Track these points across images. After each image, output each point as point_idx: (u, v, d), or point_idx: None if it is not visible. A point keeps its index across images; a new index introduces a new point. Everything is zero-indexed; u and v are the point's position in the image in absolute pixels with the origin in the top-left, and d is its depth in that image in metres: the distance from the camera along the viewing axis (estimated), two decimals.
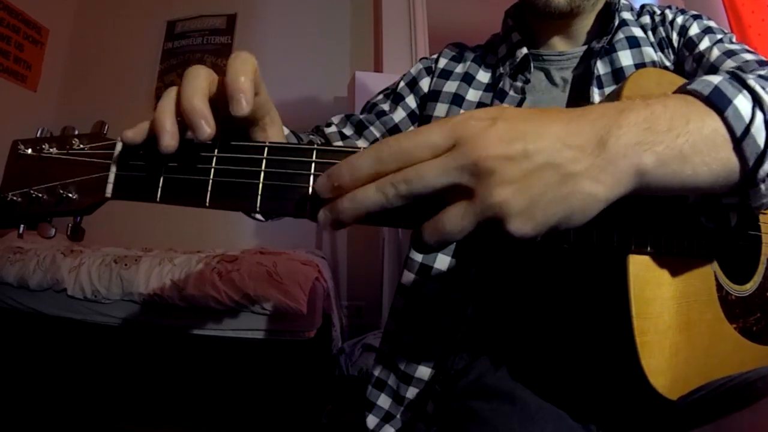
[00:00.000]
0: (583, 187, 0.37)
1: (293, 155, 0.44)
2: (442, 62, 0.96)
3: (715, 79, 0.44)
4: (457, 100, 0.89)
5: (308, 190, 0.43)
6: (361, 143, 0.89)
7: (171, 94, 0.43)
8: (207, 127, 0.40)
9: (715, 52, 0.74)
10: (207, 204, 0.43)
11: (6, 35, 3.01)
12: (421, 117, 0.94)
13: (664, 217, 0.52)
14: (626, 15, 0.85)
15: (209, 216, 3.00)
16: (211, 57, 3.34)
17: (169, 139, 0.41)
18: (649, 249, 0.50)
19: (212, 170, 0.44)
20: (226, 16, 3.41)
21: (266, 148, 0.44)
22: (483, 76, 0.91)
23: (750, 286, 0.64)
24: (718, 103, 0.42)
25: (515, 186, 0.36)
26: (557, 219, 0.38)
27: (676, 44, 0.82)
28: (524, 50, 0.85)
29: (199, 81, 0.43)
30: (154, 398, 1.97)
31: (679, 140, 0.40)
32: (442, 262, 0.83)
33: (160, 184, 0.44)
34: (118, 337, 2.14)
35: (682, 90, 0.45)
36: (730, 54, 0.73)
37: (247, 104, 0.42)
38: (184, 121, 0.42)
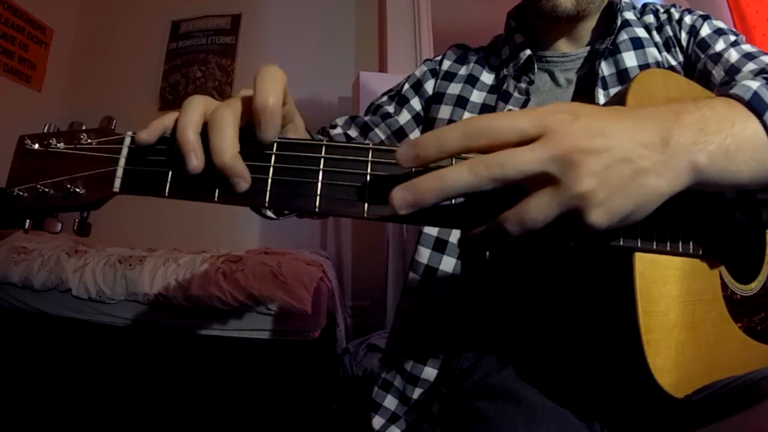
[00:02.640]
0: (650, 182, 0.40)
1: (304, 151, 0.44)
2: (446, 64, 0.96)
3: (754, 85, 0.47)
4: (461, 102, 0.89)
5: (317, 186, 0.43)
6: None
7: (192, 110, 0.43)
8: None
9: (734, 54, 0.74)
10: (216, 199, 0.43)
11: (10, 35, 3.02)
12: (425, 119, 0.94)
13: (670, 216, 0.52)
14: (629, 15, 0.85)
15: (213, 216, 3.00)
16: (215, 57, 3.34)
17: (196, 161, 0.42)
18: (655, 247, 0.51)
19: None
20: (231, 16, 3.41)
21: (275, 144, 0.44)
22: (487, 78, 0.91)
23: (755, 286, 0.64)
24: (757, 107, 0.45)
25: (598, 178, 0.38)
26: (627, 211, 0.40)
27: (685, 44, 0.82)
28: (528, 52, 0.85)
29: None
30: (158, 398, 1.97)
31: (726, 141, 0.43)
32: (448, 263, 0.83)
33: (169, 179, 0.43)
34: (123, 338, 2.14)
35: (725, 94, 0.48)
36: (749, 57, 0.73)
37: (275, 130, 0.42)
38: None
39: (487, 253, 0.79)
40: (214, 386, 2.03)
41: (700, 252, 0.55)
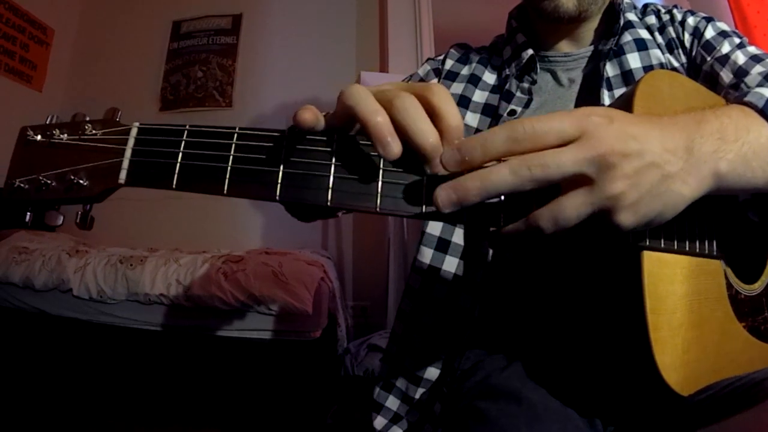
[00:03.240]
0: (675, 187, 0.42)
1: (315, 144, 0.43)
2: (449, 64, 0.96)
3: (766, 92, 0.50)
4: (464, 101, 0.89)
5: (330, 180, 0.42)
6: None
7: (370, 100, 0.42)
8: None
9: (741, 57, 0.75)
10: (225, 191, 0.42)
11: (11, 35, 3.02)
12: None
13: (684, 216, 0.51)
14: (631, 16, 0.85)
15: (214, 216, 3.00)
16: (216, 57, 3.34)
17: (396, 147, 0.40)
18: (663, 245, 0.51)
19: (231, 157, 0.43)
20: (232, 16, 3.40)
21: (286, 133, 0.43)
22: (489, 78, 0.91)
23: (758, 286, 0.64)
24: None
25: (630, 181, 0.40)
26: (654, 214, 0.42)
27: (688, 45, 0.82)
28: (530, 51, 0.85)
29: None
30: (159, 398, 1.97)
31: (744, 148, 0.46)
32: (450, 264, 0.82)
33: (177, 170, 0.43)
34: (123, 338, 2.13)
35: (739, 101, 0.51)
36: (756, 59, 0.74)
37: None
38: None
39: (490, 253, 0.79)
40: (215, 386, 2.03)
41: (706, 251, 0.56)
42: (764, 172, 0.48)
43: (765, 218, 0.66)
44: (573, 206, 0.40)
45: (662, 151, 0.41)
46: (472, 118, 0.87)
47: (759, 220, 0.65)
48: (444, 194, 0.40)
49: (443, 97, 0.42)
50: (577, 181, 0.40)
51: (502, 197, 0.43)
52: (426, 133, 0.40)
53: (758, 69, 0.72)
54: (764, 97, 0.49)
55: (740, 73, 0.73)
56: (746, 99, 0.50)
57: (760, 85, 0.66)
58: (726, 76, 0.75)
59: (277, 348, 2.06)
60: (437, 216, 0.42)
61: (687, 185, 0.43)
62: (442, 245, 0.83)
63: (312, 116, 0.42)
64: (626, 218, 0.40)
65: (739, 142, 0.46)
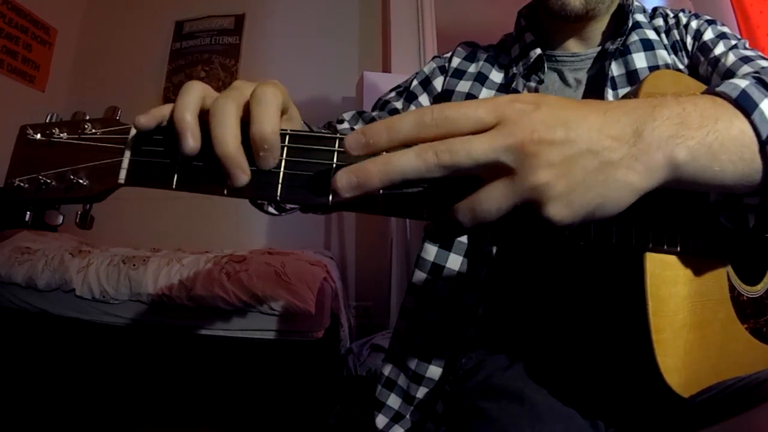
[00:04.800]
0: (619, 175, 0.38)
1: (315, 144, 0.43)
2: (455, 61, 0.96)
3: (742, 83, 0.45)
4: (470, 99, 0.88)
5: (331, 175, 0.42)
6: None
7: (190, 93, 0.42)
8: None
9: (731, 58, 0.75)
10: (225, 192, 0.42)
11: (14, 35, 3.02)
12: None
13: (681, 216, 0.52)
14: (639, 17, 0.85)
15: (217, 216, 3.00)
16: (219, 57, 3.34)
17: (193, 141, 0.41)
18: (665, 247, 0.51)
19: None
20: (235, 16, 3.40)
21: (288, 136, 0.43)
22: (496, 76, 0.91)
23: (761, 287, 0.64)
24: (745, 105, 0.43)
25: (557, 170, 0.37)
26: (593, 206, 0.38)
27: (690, 48, 0.83)
28: (538, 51, 0.85)
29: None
30: (161, 398, 1.97)
31: (709, 137, 0.41)
32: (454, 261, 0.82)
33: (176, 171, 0.42)
34: (126, 338, 2.14)
35: (710, 91, 0.46)
36: (746, 60, 0.73)
37: (273, 160, 0.41)
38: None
39: (494, 250, 0.79)
40: (217, 386, 2.03)
41: (709, 253, 0.55)
42: (735, 167, 0.42)
43: (738, 224, 0.58)
44: (491, 198, 0.37)
45: (601, 137, 0.38)
46: None
47: (732, 226, 0.58)
48: (345, 177, 0.37)
49: (260, 99, 0.41)
50: (498, 171, 0.37)
51: (424, 189, 0.41)
52: (220, 141, 0.40)
53: (745, 69, 0.72)
54: (739, 87, 0.44)
55: (727, 74, 0.73)
56: (718, 89, 0.46)
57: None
58: (715, 79, 0.75)
59: (279, 348, 2.06)
60: (349, 206, 0.41)
61: (634, 172, 0.39)
62: (446, 242, 0.83)
63: (145, 120, 0.43)
64: (557, 211, 0.37)
65: (704, 129, 0.41)
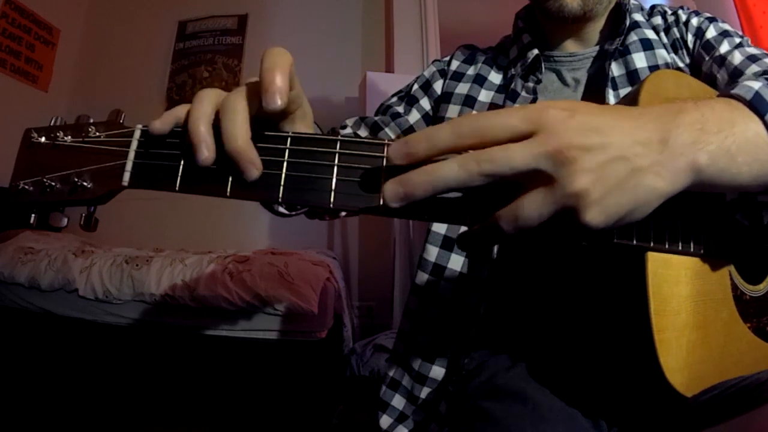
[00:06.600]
0: (648, 181, 0.39)
1: (318, 146, 0.43)
2: (455, 64, 0.96)
3: (756, 85, 0.46)
4: (469, 101, 0.89)
5: (332, 181, 0.42)
6: None
7: (204, 102, 0.43)
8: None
9: (738, 56, 0.74)
10: (228, 194, 0.42)
11: (17, 35, 3.04)
12: (434, 119, 0.94)
13: (682, 216, 0.52)
14: (637, 16, 0.85)
15: (220, 217, 3.01)
16: (222, 57, 3.35)
17: (207, 152, 0.41)
18: (667, 246, 0.51)
19: None
20: (238, 16, 3.42)
21: (289, 138, 0.43)
22: (495, 78, 0.91)
23: (763, 287, 0.64)
24: (759, 107, 0.45)
25: (594, 176, 0.37)
26: (625, 211, 0.39)
27: (691, 46, 0.82)
28: (535, 51, 0.85)
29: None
30: (164, 398, 1.98)
31: (727, 141, 0.43)
32: (456, 262, 0.82)
33: (180, 173, 0.42)
34: (129, 338, 2.14)
35: (726, 94, 0.48)
36: (753, 59, 0.73)
37: (281, 100, 0.41)
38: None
39: (495, 250, 0.79)
40: (220, 386, 2.03)
41: (711, 252, 0.55)
42: (751, 168, 0.44)
43: (754, 221, 0.61)
44: (533, 205, 0.38)
45: (631, 144, 0.39)
46: None
47: (748, 223, 0.60)
48: (391, 188, 0.39)
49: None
50: (537, 178, 0.38)
51: (462, 195, 0.42)
52: (230, 138, 0.41)
53: (753, 68, 0.71)
54: (753, 89, 0.46)
55: (735, 73, 0.73)
56: (733, 92, 0.47)
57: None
58: (722, 77, 0.74)
59: (282, 348, 2.06)
60: (395, 212, 0.41)
61: (661, 179, 0.40)
62: (448, 243, 0.83)
63: (160, 125, 0.43)
64: (594, 216, 0.38)
65: (722, 134, 0.43)
